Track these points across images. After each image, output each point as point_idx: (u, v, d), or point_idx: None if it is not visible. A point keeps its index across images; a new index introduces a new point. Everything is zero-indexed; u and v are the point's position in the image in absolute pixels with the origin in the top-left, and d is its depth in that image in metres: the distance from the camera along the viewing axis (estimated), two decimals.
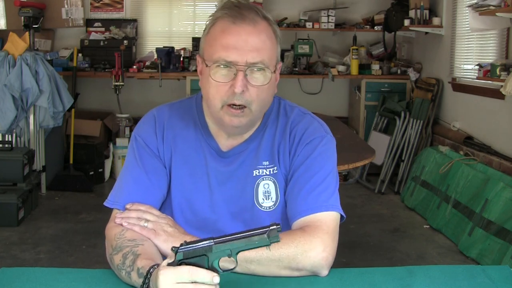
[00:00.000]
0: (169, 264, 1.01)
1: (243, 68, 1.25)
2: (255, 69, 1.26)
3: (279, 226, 1.03)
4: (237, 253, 1.02)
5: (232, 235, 1.03)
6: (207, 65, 1.29)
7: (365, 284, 1.18)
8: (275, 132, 1.39)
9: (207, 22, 1.32)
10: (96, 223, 4.10)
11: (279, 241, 1.03)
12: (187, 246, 1.01)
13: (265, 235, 1.02)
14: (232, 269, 1.03)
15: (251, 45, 1.25)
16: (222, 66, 1.26)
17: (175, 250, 1.01)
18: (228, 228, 1.35)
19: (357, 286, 1.18)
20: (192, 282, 0.99)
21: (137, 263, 1.14)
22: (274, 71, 1.30)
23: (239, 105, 1.27)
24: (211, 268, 1.01)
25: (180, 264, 1.01)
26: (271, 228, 1.02)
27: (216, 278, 0.99)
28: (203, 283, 0.99)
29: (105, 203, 1.36)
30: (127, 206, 1.32)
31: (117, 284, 1.18)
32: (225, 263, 1.04)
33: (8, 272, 1.22)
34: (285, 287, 1.17)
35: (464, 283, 1.19)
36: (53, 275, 1.21)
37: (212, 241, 1.01)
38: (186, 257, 1.01)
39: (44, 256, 3.49)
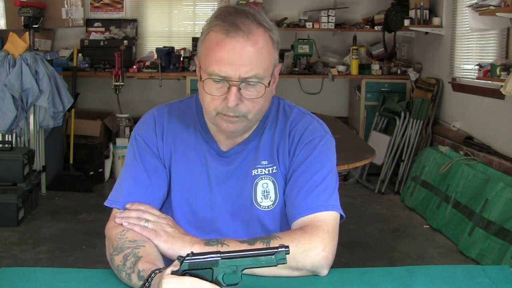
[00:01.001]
0: (173, 273, 1.01)
1: (236, 84, 1.24)
2: (249, 83, 1.25)
3: (287, 249, 1.03)
4: (242, 270, 1.02)
5: (240, 252, 1.02)
6: (201, 77, 1.29)
7: (365, 284, 1.18)
8: (274, 131, 1.39)
9: (204, 28, 1.30)
10: (96, 223, 4.10)
11: (285, 263, 1.03)
12: (194, 257, 1.01)
13: (273, 257, 1.02)
14: (236, 284, 1.03)
15: (245, 58, 1.23)
16: (215, 80, 1.25)
17: (181, 259, 1.01)
18: (227, 227, 1.36)
19: (357, 286, 1.18)
20: None
21: (138, 266, 1.14)
22: (269, 84, 1.28)
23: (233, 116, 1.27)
24: (215, 282, 1.01)
25: (184, 275, 1.00)
26: (279, 250, 1.03)
27: None
28: None
29: (105, 203, 1.36)
30: (127, 206, 1.32)
31: (117, 284, 1.18)
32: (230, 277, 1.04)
33: (8, 272, 1.22)
34: (285, 287, 1.17)
35: (464, 283, 1.19)
36: (53, 275, 1.21)
37: (219, 255, 1.01)
38: (191, 268, 1.01)
39: (44, 256, 3.49)
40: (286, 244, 1.04)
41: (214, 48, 1.24)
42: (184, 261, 1.01)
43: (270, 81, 1.29)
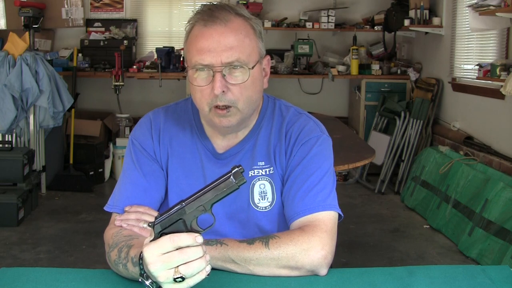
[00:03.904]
0: (151, 241, 1.01)
1: (220, 69, 1.25)
2: (233, 68, 1.26)
3: (241, 167, 1.02)
4: (210, 207, 1.02)
5: (199, 191, 1.02)
6: (187, 72, 1.31)
7: (365, 284, 1.18)
8: (270, 132, 1.40)
9: (186, 26, 1.33)
10: (96, 223, 4.10)
11: (245, 181, 1.02)
12: (161, 216, 1.01)
13: (231, 179, 1.01)
14: (211, 225, 1.03)
15: (224, 44, 1.25)
16: (199, 70, 1.26)
17: (152, 224, 1.01)
18: (224, 229, 1.36)
19: (357, 286, 1.17)
20: (177, 249, 0.98)
21: (130, 254, 1.15)
22: (253, 67, 1.29)
23: (223, 106, 1.27)
24: (192, 230, 1.01)
25: (160, 236, 1.00)
26: (234, 171, 1.02)
27: (199, 238, 0.99)
28: (187, 246, 0.98)
29: (104, 208, 1.38)
30: (126, 209, 1.33)
31: (116, 284, 1.18)
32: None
33: (8, 272, 1.22)
34: (285, 287, 1.17)
35: (464, 283, 1.18)
36: (53, 275, 1.21)
37: (182, 203, 1.01)
38: (164, 228, 1.01)
39: (44, 256, 3.49)
40: (239, 165, 1.02)
41: (194, 40, 1.28)
42: (155, 224, 1.01)
43: (254, 65, 1.29)
